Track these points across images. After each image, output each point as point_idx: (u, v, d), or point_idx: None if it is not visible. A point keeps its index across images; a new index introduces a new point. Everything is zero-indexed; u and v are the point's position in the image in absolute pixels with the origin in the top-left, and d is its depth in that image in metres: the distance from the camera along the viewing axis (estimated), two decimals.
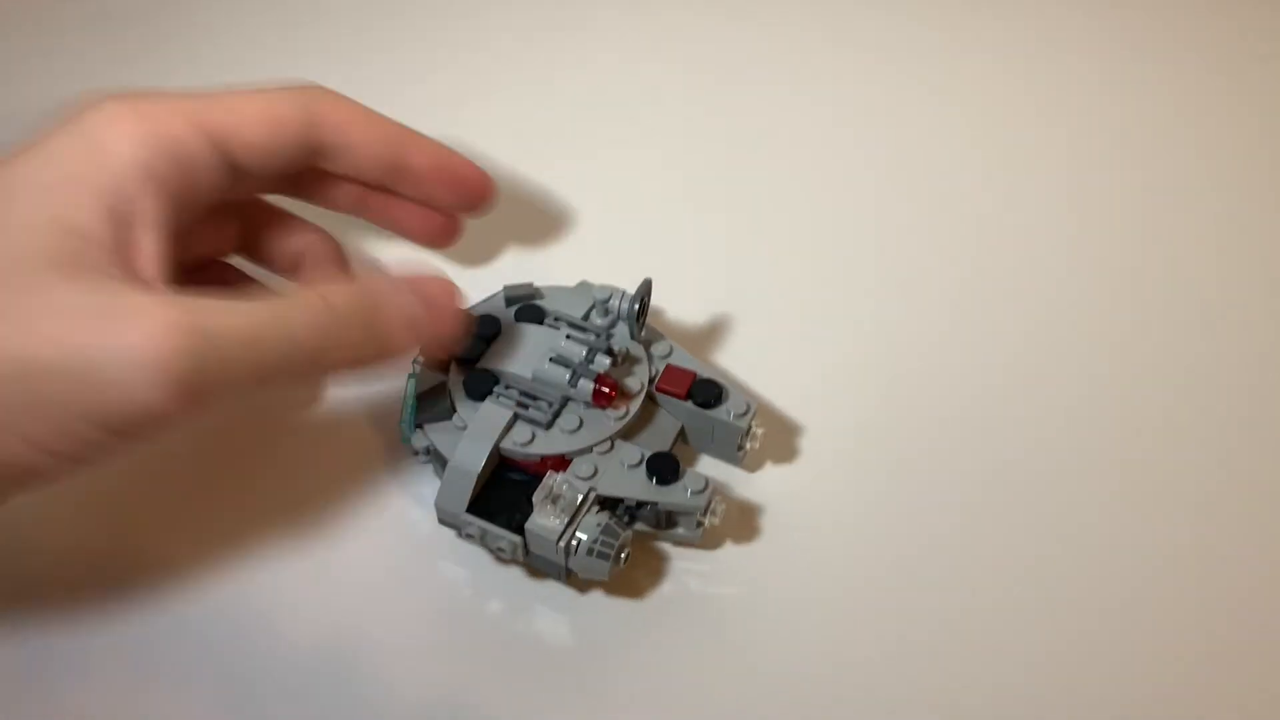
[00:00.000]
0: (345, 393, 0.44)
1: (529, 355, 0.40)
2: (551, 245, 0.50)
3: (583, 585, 0.39)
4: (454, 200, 0.43)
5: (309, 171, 0.40)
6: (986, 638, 0.39)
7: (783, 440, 0.43)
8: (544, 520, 0.37)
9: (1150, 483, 0.43)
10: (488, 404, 0.40)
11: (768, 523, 0.41)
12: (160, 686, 0.37)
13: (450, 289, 0.37)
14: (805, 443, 0.43)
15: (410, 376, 0.42)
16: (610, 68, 0.57)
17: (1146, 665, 0.38)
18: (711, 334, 0.46)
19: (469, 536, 0.38)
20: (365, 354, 0.35)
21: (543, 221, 0.51)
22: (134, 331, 0.30)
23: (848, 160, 0.53)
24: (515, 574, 0.40)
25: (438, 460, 0.40)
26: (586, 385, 0.39)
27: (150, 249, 0.33)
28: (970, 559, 0.40)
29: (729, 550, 0.40)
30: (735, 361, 0.45)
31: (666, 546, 0.41)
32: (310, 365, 0.34)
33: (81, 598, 0.39)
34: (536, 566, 0.39)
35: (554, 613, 0.39)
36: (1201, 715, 0.37)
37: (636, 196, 0.52)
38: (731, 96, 0.56)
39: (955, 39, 0.59)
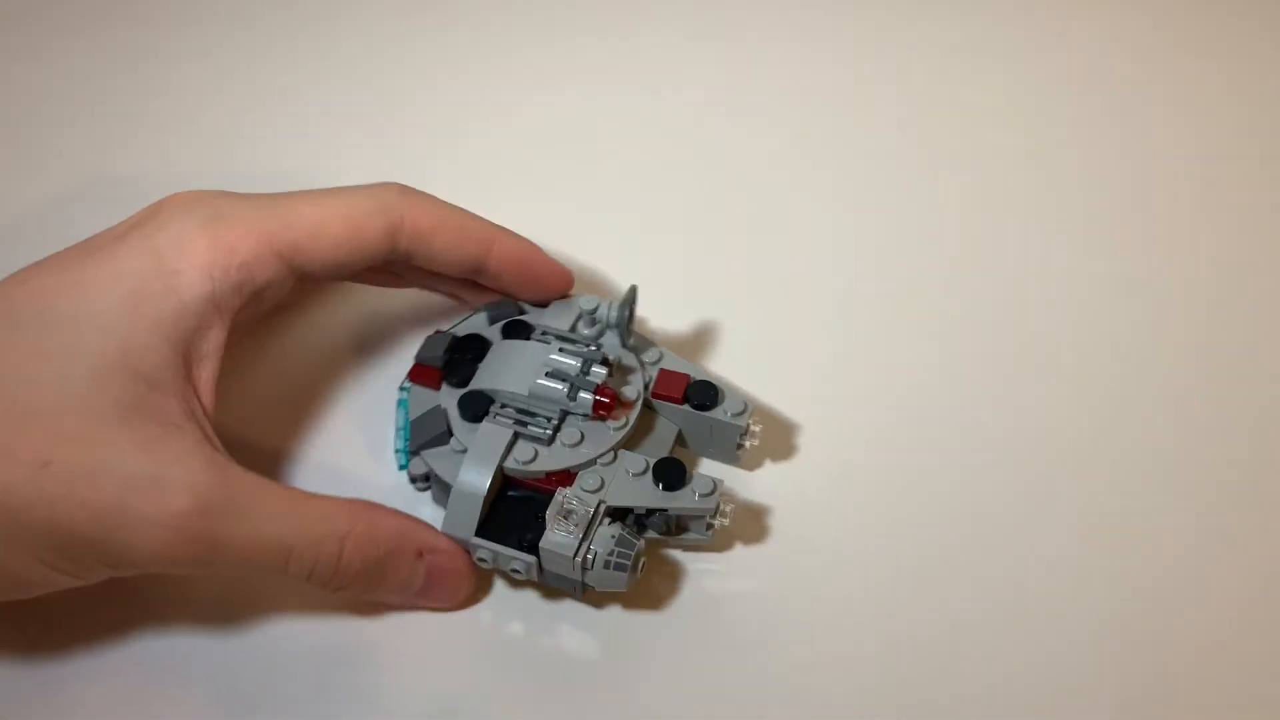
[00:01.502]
0: (338, 426, 0.43)
1: (522, 371, 0.39)
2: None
3: (599, 600, 0.39)
4: (531, 295, 0.43)
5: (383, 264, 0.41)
6: (988, 632, 0.39)
7: (780, 438, 0.43)
8: (558, 537, 0.36)
9: (1148, 483, 0.43)
10: (486, 424, 0.39)
11: (774, 520, 0.41)
12: (167, 694, 0.37)
13: (461, 569, 0.38)
14: (803, 440, 0.43)
15: (400, 404, 0.41)
16: (602, 79, 0.56)
17: (1144, 664, 0.38)
18: (696, 339, 0.46)
19: (481, 561, 0.38)
20: (357, 592, 0.37)
21: (528, 234, 0.50)
22: (176, 501, 0.32)
23: (841, 162, 0.53)
24: (530, 596, 0.39)
25: (438, 486, 0.39)
26: (586, 397, 0.38)
27: (207, 378, 0.36)
28: (968, 554, 0.41)
29: (740, 550, 0.40)
30: (723, 363, 0.45)
31: (677, 552, 0.40)
32: (303, 579, 0.35)
33: (80, 599, 0.37)
34: (552, 585, 0.38)
35: (577, 630, 0.38)
36: None
37: (621, 204, 0.51)
38: (723, 103, 0.55)
39: (951, 49, 0.58)
